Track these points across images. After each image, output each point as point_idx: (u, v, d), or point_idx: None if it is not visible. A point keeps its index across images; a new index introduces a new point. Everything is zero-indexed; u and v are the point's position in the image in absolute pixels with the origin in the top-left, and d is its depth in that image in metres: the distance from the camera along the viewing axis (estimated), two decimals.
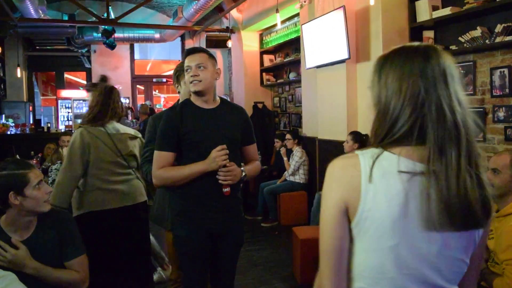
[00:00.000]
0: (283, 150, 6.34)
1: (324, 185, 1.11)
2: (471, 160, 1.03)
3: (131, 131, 3.20)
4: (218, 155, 2.21)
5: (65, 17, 9.41)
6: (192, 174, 2.24)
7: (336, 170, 1.10)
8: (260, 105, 8.15)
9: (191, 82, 2.29)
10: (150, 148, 2.57)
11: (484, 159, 1.10)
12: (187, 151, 2.31)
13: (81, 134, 2.93)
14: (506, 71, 3.66)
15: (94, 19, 8.14)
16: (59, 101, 11.64)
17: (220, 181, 2.25)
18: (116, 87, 3.17)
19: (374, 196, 1.03)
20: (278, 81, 7.95)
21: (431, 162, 1.02)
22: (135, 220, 3.08)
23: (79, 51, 10.91)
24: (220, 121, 2.34)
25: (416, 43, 1.14)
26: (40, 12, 7.97)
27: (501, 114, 3.73)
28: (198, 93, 2.31)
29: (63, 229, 2.14)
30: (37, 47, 11.45)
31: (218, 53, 10.35)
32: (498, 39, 3.57)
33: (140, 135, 3.25)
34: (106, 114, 3.01)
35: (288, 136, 6.33)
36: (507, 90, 3.65)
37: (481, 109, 3.87)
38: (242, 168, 2.35)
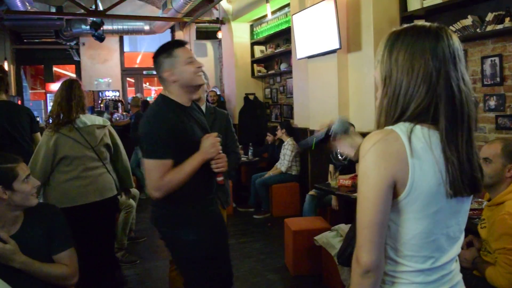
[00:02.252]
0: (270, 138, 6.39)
1: (364, 162, 1.13)
2: (471, 135, 1.15)
3: (99, 120, 3.18)
4: (215, 141, 2.12)
5: (53, 10, 9.27)
6: (193, 168, 2.06)
7: (378, 146, 1.11)
8: (251, 97, 8.11)
9: (197, 74, 2.14)
10: None
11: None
12: (184, 155, 2.08)
13: (47, 136, 2.95)
14: (497, 60, 3.65)
15: (82, 11, 8.03)
16: (48, 94, 11.51)
17: (214, 170, 2.16)
18: (77, 80, 3.18)
19: (421, 167, 1.10)
20: (269, 72, 7.90)
21: (445, 137, 1.11)
22: (102, 215, 3.09)
23: (68, 44, 10.77)
24: (208, 121, 2.34)
25: (427, 24, 1.18)
26: (27, 4, 7.83)
27: (492, 103, 3.72)
28: (199, 87, 2.21)
29: (50, 223, 2.12)
30: (25, 40, 11.28)
31: (208, 44, 10.27)
32: (489, 28, 3.55)
33: (108, 123, 3.25)
34: (71, 109, 2.99)
35: (278, 126, 6.34)
36: (498, 79, 3.64)
37: (472, 98, 3.86)
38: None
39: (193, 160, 2.07)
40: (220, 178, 2.24)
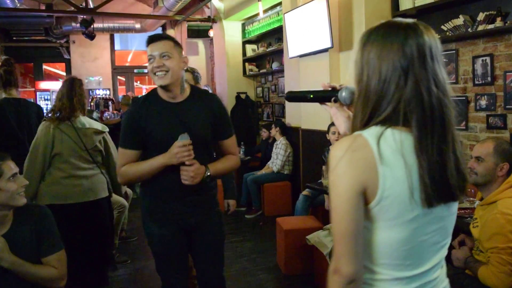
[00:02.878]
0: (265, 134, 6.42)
1: (333, 171, 1.08)
2: (448, 139, 1.07)
3: (98, 125, 3.19)
4: (179, 151, 2.03)
5: (43, 7, 9.17)
6: (152, 169, 2.10)
7: (344, 153, 1.06)
8: (243, 96, 8.09)
9: (155, 74, 2.07)
10: None
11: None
12: (151, 150, 2.16)
13: (46, 128, 2.93)
14: (488, 59, 3.66)
15: (72, 8, 7.95)
16: (38, 93, 11.41)
17: (182, 180, 2.10)
18: (79, 78, 3.16)
19: (391, 174, 1.04)
20: (261, 71, 7.88)
21: (417, 142, 1.05)
22: (95, 215, 3.08)
23: (58, 41, 10.67)
24: (187, 117, 2.15)
25: (400, 19, 1.12)
26: (16, 1, 7.75)
27: (483, 102, 3.74)
28: (164, 87, 2.11)
29: (40, 225, 2.09)
30: (14, 38, 11.16)
31: (200, 43, 10.23)
32: (480, 28, 3.57)
33: (106, 130, 3.25)
34: (73, 106, 2.99)
35: (273, 125, 6.35)
36: (489, 79, 3.66)
37: (464, 98, 3.88)
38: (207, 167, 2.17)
39: (153, 160, 2.11)
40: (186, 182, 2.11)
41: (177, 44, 2.16)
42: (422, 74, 1.06)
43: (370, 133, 1.07)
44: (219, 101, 2.33)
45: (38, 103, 11.31)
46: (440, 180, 1.05)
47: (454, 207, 1.16)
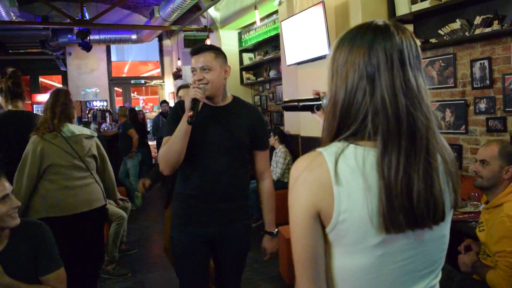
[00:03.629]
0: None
1: (290, 190, 1.00)
2: (418, 158, 0.93)
3: (87, 131, 3.16)
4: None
5: (38, 20, 9.19)
6: (181, 133, 2.03)
7: (301, 172, 0.97)
8: None
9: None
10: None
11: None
12: (189, 146, 2.11)
13: (34, 142, 2.90)
14: (486, 62, 3.66)
15: (68, 20, 7.96)
16: (34, 105, 11.37)
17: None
18: (65, 89, 3.22)
19: (349, 194, 0.93)
20: (258, 79, 7.88)
21: (380, 159, 0.93)
22: (91, 225, 3.05)
23: (54, 54, 10.68)
24: (225, 120, 2.17)
25: (374, 21, 1.01)
26: (12, 14, 7.75)
27: (482, 105, 3.73)
28: (206, 97, 2.13)
29: (37, 242, 2.03)
30: (10, 51, 11.16)
31: None
32: (477, 31, 3.57)
33: (96, 135, 3.24)
34: (54, 116, 2.98)
35: (271, 133, 6.31)
36: (487, 82, 3.66)
37: (463, 101, 3.87)
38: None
39: (179, 126, 2.05)
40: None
41: (219, 54, 2.18)
42: (389, 81, 0.94)
43: (330, 151, 0.96)
44: (259, 112, 2.36)
45: None
46: (401, 204, 0.91)
47: (440, 230, 1.00)
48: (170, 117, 2.25)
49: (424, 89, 0.97)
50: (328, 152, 0.96)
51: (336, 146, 0.97)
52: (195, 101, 2.00)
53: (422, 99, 0.95)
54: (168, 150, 2.08)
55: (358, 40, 0.97)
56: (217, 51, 2.18)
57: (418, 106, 0.94)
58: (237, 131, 2.18)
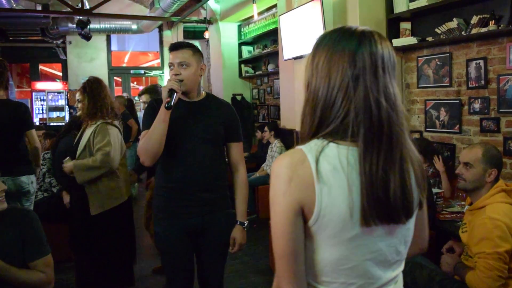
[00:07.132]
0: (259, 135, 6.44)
1: (272, 187, 1.03)
2: (394, 159, 1.01)
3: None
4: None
5: (39, 7, 9.15)
6: (159, 118, 2.11)
7: (283, 170, 1.01)
8: (238, 97, 8.07)
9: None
10: None
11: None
12: (167, 140, 2.18)
13: (114, 130, 3.10)
14: (481, 62, 3.66)
15: (68, 9, 7.93)
16: (34, 93, 11.38)
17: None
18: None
19: (329, 191, 0.99)
20: (257, 72, 7.87)
21: (362, 158, 0.99)
22: (129, 214, 3.32)
23: (54, 42, 10.65)
24: (201, 114, 2.25)
25: (355, 26, 1.06)
26: (12, 1, 7.73)
27: (476, 105, 3.73)
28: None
29: (25, 229, 2.04)
30: (11, 38, 11.13)
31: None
32: (474, 31, 3.56)
33: None
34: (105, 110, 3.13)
35: (265, 128, 6.29)
36: (482, 82, 3.65)
37: (457, 101, 3.87)
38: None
39: (157, 116, 2.12)
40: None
41: (196, 52, 2.26)
42: (373, 84, 1.00)
43: (310, 149, 1.01)
44: (232, 107, 2.43)
45: (34, 103, 11.29)
46: (380, 200, 0.99)
47: (408, 224, 1.08)
48: (146, 112, 2.31)
49: (399, 98, 1.04)
50: (308, 149, 1.01)
51: (316, 144, 1.02)
52: (171, 91, 2.08)
53: (398, 106, 1.03)
54: (148, 141, 2.14)
55: (343, 42, 1.02)
56: (195, 49, 2.26)
57: (396, 111, 1.02)
58: (213, 124, 2.26)
